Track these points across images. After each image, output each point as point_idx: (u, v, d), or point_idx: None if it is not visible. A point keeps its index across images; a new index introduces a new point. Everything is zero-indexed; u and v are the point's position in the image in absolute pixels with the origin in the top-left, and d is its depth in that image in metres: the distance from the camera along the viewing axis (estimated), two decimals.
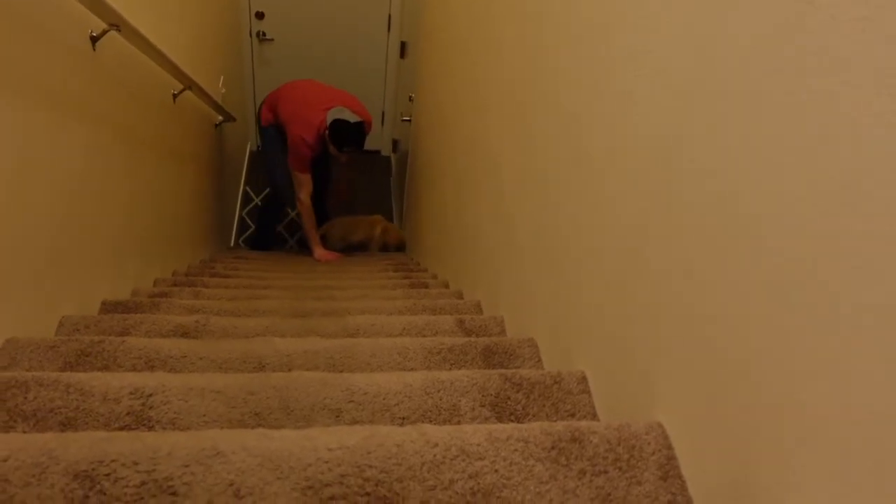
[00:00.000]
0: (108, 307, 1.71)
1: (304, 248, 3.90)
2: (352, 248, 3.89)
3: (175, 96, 2.53)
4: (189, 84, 2.56)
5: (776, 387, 0.61)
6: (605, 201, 0.99)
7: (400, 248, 4.03)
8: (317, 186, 3.37)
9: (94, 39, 1.65)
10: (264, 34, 4.78)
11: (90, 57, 1.64)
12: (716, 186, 0.70)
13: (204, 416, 0.93)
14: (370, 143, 5.46)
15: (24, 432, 0.90)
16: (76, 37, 1.57)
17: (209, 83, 3.21)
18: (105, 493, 0.65)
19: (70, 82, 1.52)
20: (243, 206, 4.65)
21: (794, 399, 0.58)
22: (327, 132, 2.99)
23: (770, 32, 0.61)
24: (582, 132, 1.10)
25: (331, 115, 2.99)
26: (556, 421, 1.02)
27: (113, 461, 0.67)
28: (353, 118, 3.00)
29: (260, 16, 4.70)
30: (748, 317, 0.65)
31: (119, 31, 1.72)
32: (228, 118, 3.49)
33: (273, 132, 3.33)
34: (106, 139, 1.77)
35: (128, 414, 0.93)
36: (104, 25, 1.65)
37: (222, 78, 3.69)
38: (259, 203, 4.48)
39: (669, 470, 0.78)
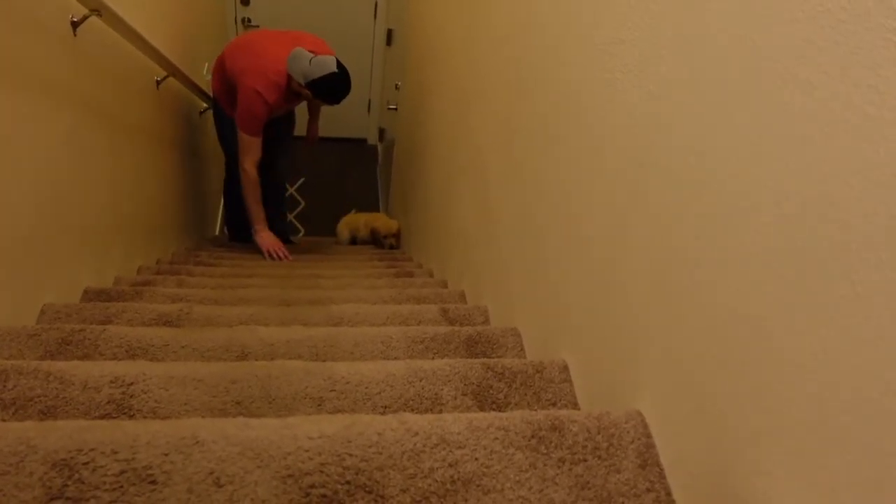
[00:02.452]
0: (91, 295, 1.70)
1: (248, 241, 3.11)
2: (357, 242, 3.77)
3: (158, 83, 2.50)
4: (172, 70, 2.53)
5: (753, 377, 0.61)
6: (585, 194, 1.00)
7: (389, 236, 3.75)
8: (266, 157, 2.83)
9: (74, 24, 1.62)
10: (249, 20, 4.72)
11: (71, 42, 1.62)
12: (693, 174, 0.71)
13: (185, 404, 0.93)
14: (356, 132, 5.47)
15: (4, 421, 0.89)
16: (57, 21, 1.54)
17: (193, 70, 3.17)
18: (84, 482, 0.65)
19: (50, 67, 1.49)
20: None
21: (770, 389, 0.59)
22: (311, 91, 2.60)
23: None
24: (560, 125, 1.10)
25: (290, 61, 2.59)
26: (537, 410, 1.02)
27: (92, 450, 0.67)
28: (310, 57, 2.58)
29: (245, 1, 4.65)
30: (727, 308, 0.66)
31: (100, 16, 1.69)
32: None
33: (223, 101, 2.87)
34: (88, 125, 1.75)
35: (108, 402, 0.92)
36: (85, 10, 1.63)
37: (207, 64, 3.64)
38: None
39: (648, 458, 0.79)
